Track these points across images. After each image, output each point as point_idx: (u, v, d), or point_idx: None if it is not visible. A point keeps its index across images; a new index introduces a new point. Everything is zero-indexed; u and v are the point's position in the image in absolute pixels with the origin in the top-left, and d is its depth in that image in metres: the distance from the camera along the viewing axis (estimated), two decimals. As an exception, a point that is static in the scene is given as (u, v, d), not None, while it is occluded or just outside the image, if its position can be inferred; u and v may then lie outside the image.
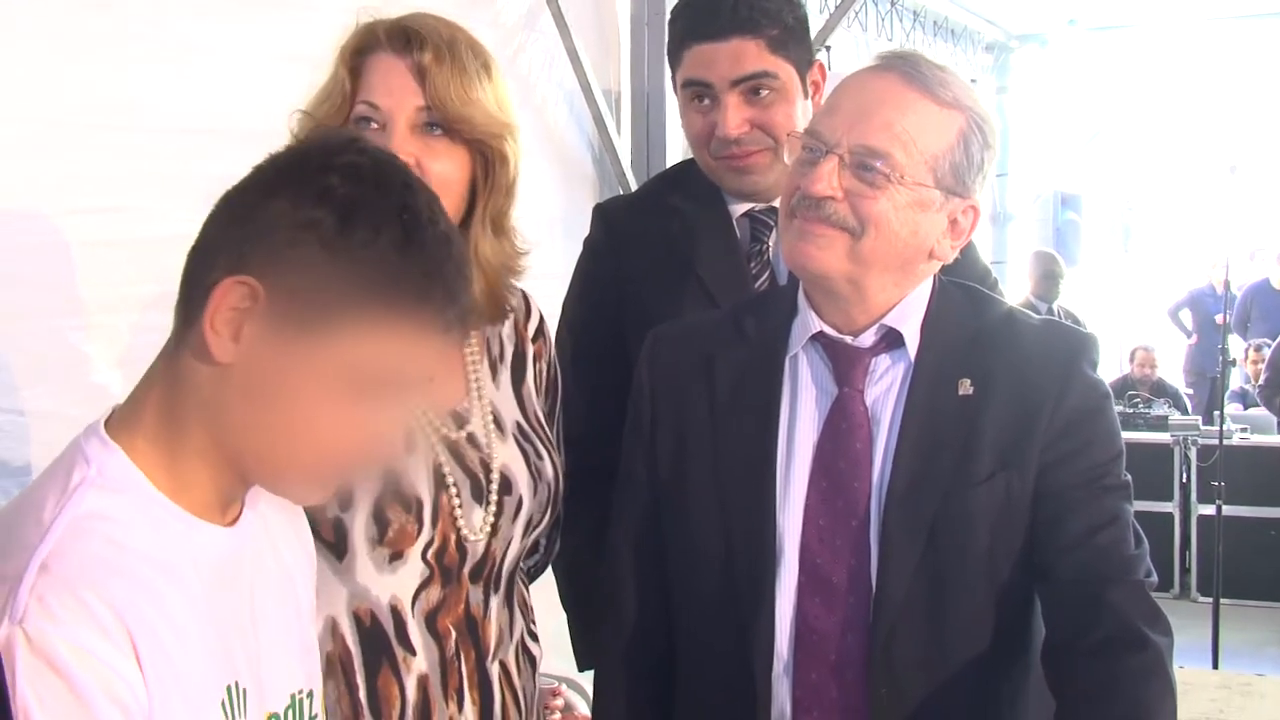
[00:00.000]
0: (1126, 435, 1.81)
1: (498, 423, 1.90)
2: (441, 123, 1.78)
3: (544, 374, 2.05)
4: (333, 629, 1.76)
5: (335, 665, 1.76)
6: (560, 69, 3.98)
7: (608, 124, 4.16)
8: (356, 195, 1.22)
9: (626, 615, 1.91)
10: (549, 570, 2.23)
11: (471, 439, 1.85)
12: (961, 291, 1.83)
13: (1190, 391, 9.98)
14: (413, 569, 1.78)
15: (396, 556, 1.76)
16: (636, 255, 2.33)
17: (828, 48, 4.90)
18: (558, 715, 2.18)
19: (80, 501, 1.20)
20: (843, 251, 1.68)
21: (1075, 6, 8.61)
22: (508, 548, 1.87)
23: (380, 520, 1.74)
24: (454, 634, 1.81)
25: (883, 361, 1.76)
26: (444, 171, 1.78)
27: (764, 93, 2.17)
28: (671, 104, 2.36)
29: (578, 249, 2.45)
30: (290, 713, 1.40)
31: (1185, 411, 8.65)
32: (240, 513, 1.35)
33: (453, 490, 1.80)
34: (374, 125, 1.77)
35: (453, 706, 1.80)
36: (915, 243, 1.70)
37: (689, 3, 2.26)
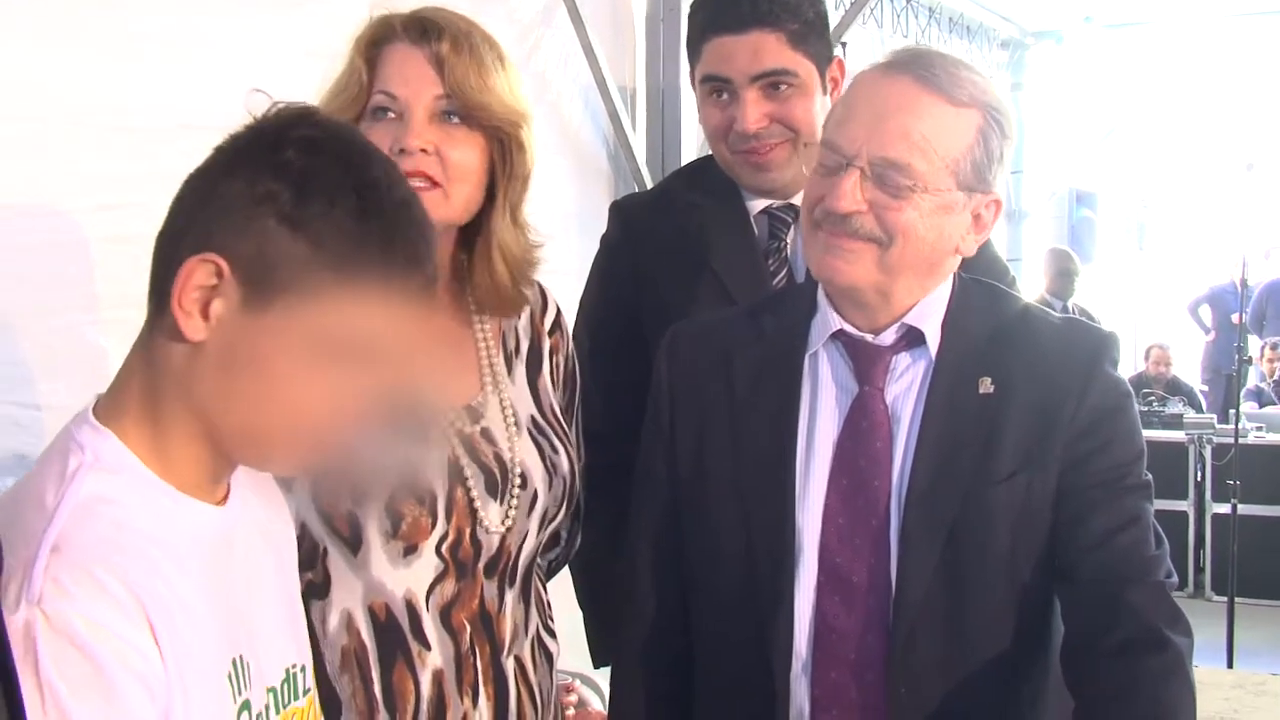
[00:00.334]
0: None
1: (513, 417, 1.90)
2: (459, 111, 1.78)
3: (561, 368, 2.04)
4: (348, 623, 1.77)
5: (350, 659, 1.77)
6: (576, 65, 3.98)
7: (623, 120, 4.15)
8: (311, 167, 1.23)
9: (644, 612, 1.90)
10: (566, 566, 2.24)
11: (486, 433, 1.85)
12: (982, 289, 1.83)
13: (1206, 389, 9.95)
14: (427, 563, 1.78)
15: (411, 550, 1.76)
16: (654, 252, 2.33)
17: (843, 44, 4.89)
18: (572, 711, 2.19)
19: (81, 485, 1.21)
20: (871, 263, 1.68)
21: (1091, 3, 8.59)
22: (523, 542, 1.87)
23: (394, 514, 1.74)
24: (469, 629, 1.81)
25: (903, 359, 1.75)
26: (463, 159, 1.79)
27: (783, 88, 2.16)
28: (687, 100, 2.36)
29: (593, 245, 2.45)
30: (285, 686, 1.42)
31: (1200, 409, 8.63)
32: (228, 493, 1.37)
33: (468, 485, 1.80)
34: (391, 115, 1.77)
35: (467, 702, 1.80)
36: (942, 245, 1.70)
37: None
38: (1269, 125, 10.76)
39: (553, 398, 1.99)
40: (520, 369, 1.96)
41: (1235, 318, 8.09)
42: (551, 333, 2.03)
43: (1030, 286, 8.08)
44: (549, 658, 1.97)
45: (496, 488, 1.83)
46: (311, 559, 1.76)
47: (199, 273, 1.21)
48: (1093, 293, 9.17)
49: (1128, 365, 9.03)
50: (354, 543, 1.75)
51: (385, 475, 1.75)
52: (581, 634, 2.40)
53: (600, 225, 2.47)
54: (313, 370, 1.25)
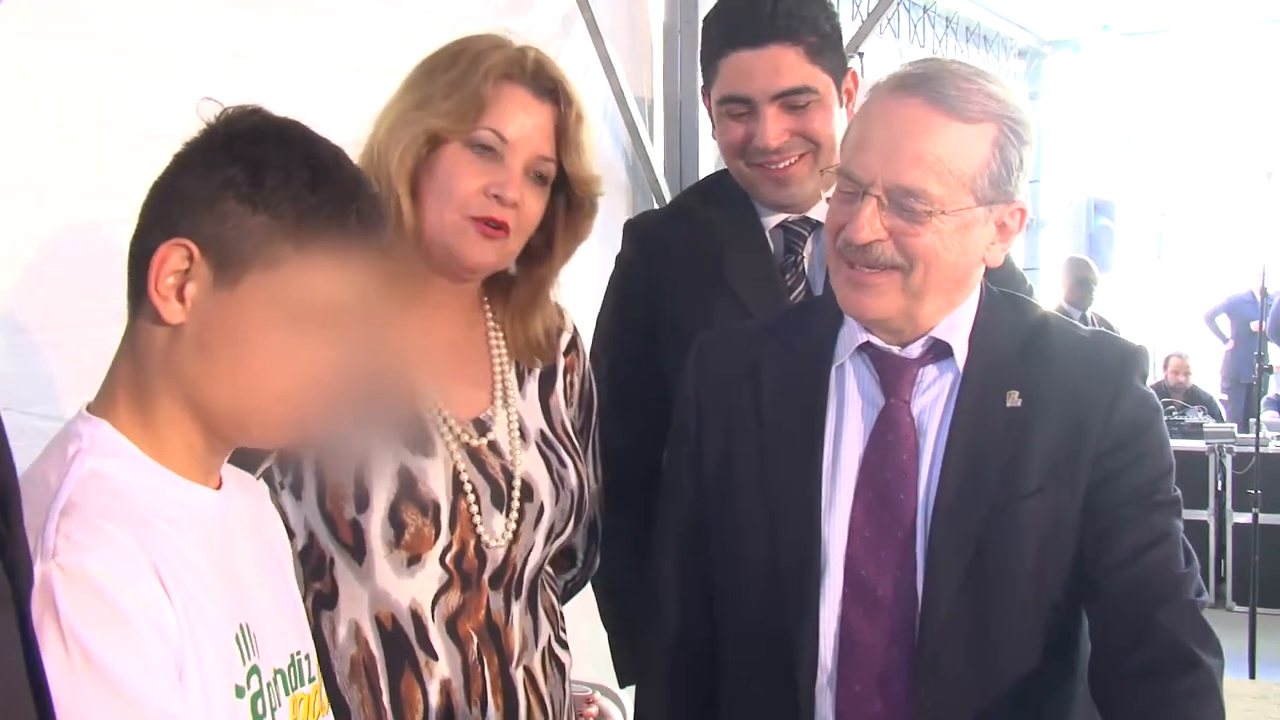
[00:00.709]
0: (1160, 443, 1.78)
1: (521, 431, 1.91)
2: (552, 173, 1.83)
3: (575, 386, 2.05)
4: (356, 633, 1.78)
5: (359, 669, 1.78)
6: (594, 76, 3.99)
7: (641, 132, 4.15)
8: (263, 150, 1.32)
9: (668, 622, 1.90)
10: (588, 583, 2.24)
11: (494, 446, 1.87)
12: (1009, 301, 1.82)
13: (1225, 398, 9.91)
14: (431, 573, 1.79)
15: (415, 560, 1.78)
16: (669, 270, 2.33)
17: (860, 54, 4.89)
18: (592, 724, 2.19)
19: (81, 466, 1.27)
20: (896, 293, 1.68)
21: (1109, 12, 8.57)
22: (529, 554, 1.88)
23: (396, 522, 1.76)
24: (476, 639, 1.82)
25: (930, 372, 1.75)
26: (535, 214, 1.83)
27: (803, 103, 2.16)
28: (705, 111, 2.35)
29: (612, 256, 2.45)
30: (292, 671, 1.45)
31: (1220, 419, 8.59)
32: (221, 482, 1.42)
33: (471, 496, 1.81)
34: (490, 152, 1.79)
35: (476, 712, 1.81)
36: (966, 261, 1.69)
37: (724, 10, 2.25)
38: (1288, 133, 10.72)
39: (564, 415, 2.00)
40: (532, 385, 1.97)
41: (1254, 326, 8.05)
42: (567, 352, 2.04)
43: (1048, 296, 8.06)
44: (561, 669, 1.98)
45: (501, 500, 1.84)
46: (319, 570, 1.79)
47: (172, 258, 1.28)
48: (1111, 302, 9.14)
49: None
50: (359, 552, 1.76)
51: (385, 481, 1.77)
52: (600, 645, 2.40)
53: (619, 235, 2.48)
54: (285, 339, 1.32)
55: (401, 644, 1.79)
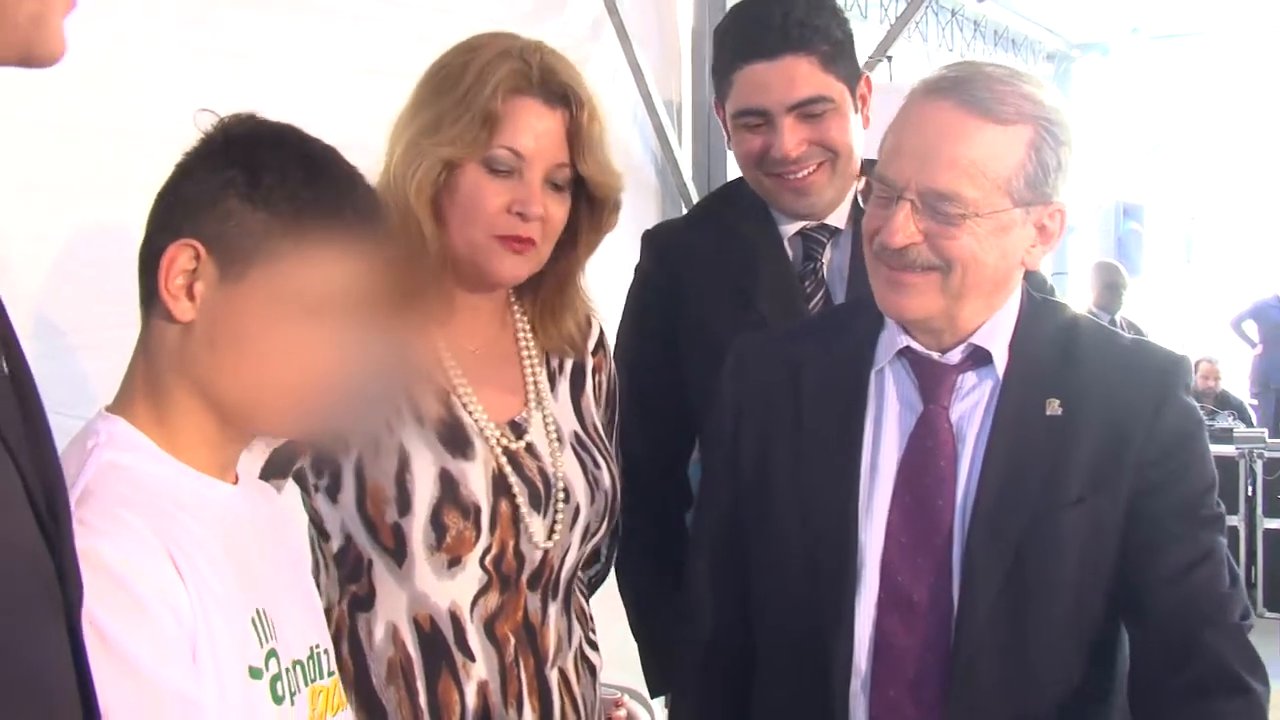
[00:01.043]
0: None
1: (556, 433, 1.91)
2: (572, 179, 1.82)
3: (603, 386, 2.06)
4: (393, 635, 1.79)
5: (396, 671, 1.79)
6: (625, 80, 4.00)
7: (669, 135, 4.16)
8: (260, 152, 1.37)
9: (703, 629, 1.90)
10: (611, 580, 2.24)
11: (531, 449, 1.87)
12: (1049, 308, 1.81)
13: (1255, 403, 9.84)
14: (471, 575, 1.80)
15: (455, 562, 1.78)
16: (688, 280, 2.33)
17: (889, 58, 4.88)
18: (620, 726, 2.19)
19: (99, 459, 1.31)
20: (935, 293, 1.67)
21: (1138, 15, 8.52)
22: (565, 555, 1.89)
23: (438, 525, 1.76)
24: (513, 641, 1.83)
25: (969, 378, 1.74)
26: (560, 219, 1.83)
27: (819, 112, 2.16)
28: (731, 117, 2.34)
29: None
30: (311, 663, 1.48)
31: (1250, 424, 8.53)
32: (238, 479, 1.46)
33: (511, 499, 1.82)
34: (507, 170, 1.78)
35: (512, 713, 1.82)
36: (1005, 264, 1.69)
37: (735, 24, 2.25)
38: (1318, 137, 10.67)
39: (595, 415, 2.01)
40: (564, 386, 1.98)
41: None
42: (595, 352, 2.04)
43: (1077, 300, 8.03)
44: (591, 670, 1.99)
45: (540, 502, 1.84)
46: (356, 572, 1.80)
47: (180, 258, 1.33)
48: (1140, 306, 9.10)
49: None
50: (399, 554, 1.77)
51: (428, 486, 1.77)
52: (629, 649, 2.41)
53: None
54: (290, 331, 1.36)
55: (439, 646, 1.80)
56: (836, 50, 2.17)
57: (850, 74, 2.21)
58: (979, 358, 1.74)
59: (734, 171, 2.39)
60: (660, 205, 4.24)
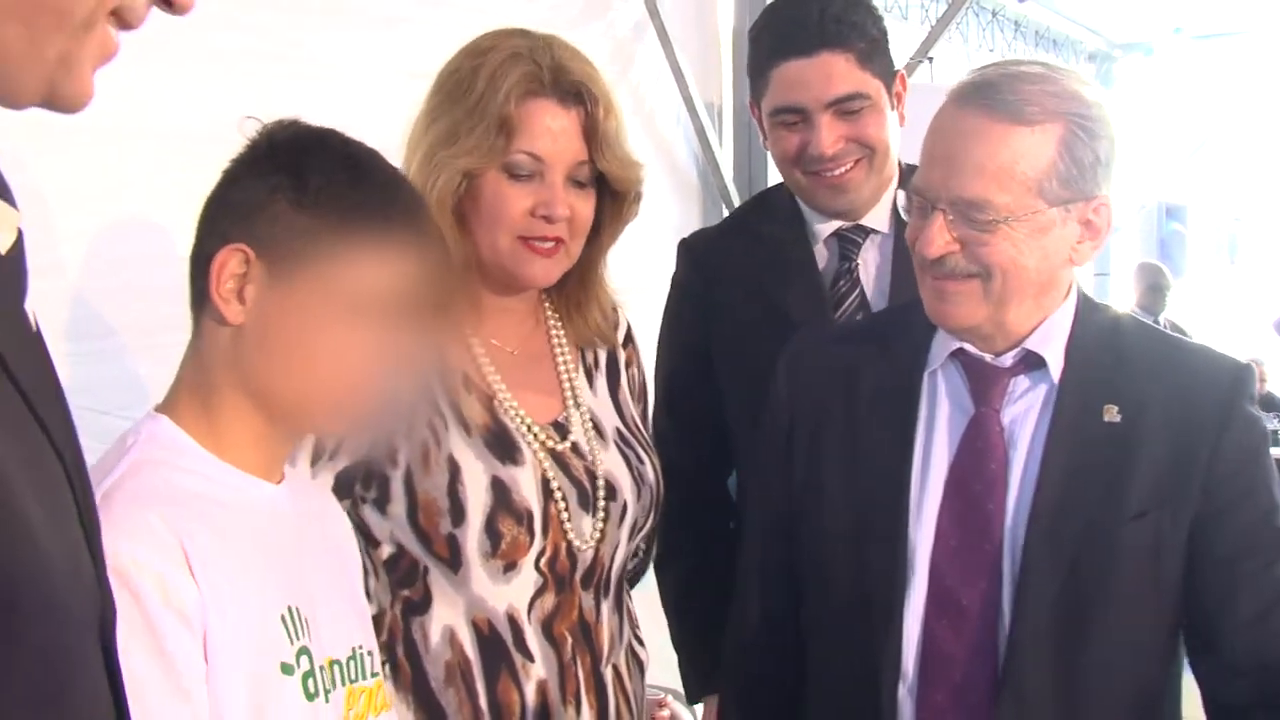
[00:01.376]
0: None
1: (598, 430, 1.92)
2: (594, 176, 1.82)
3: (635, 379, 2.08)
4: (450, 638, 1.80)
5: (455, 673, 1.80)
6: (668, 81, 4.01)
7: (710, 137, 4.17)
8: (305, 156, 1.40)
9: (751, 628, 1.91)
10: (651, 580, 2.25)
11: (575, 448, 1.88)
12: (1107, 312, 1.79)
13: (1301, 406, 9.73)
14: (527, 578, 1.81)
15: (510, 567, 1.79)
16: (721, 289, 2.35)
17: (930, 59, 4.87)
18: (665, 727, 2.20)
19: (130, 458, 1.35)
20: (978, 299, 1.66)
21: (1181, 14, 8.45)
22: (615, 552, 1.90)
23: (493, 533, 1.77)
24: (570, 640, 1.84)
25: (1022, 382, 1.73)
26: (587, 217, 1.83)
27: (856, 109, 2.17)
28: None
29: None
30: (352, 664, 1.49)
31: (1297, 426, 8.44)
32: (283, 479, 1.48)
33: (560, 500, 1.82)
34: (528, 174, 1.78)
35: (570, 711, 1.83)
36: (1048, 264, 1.67)
37: (771, 22, 2.25)
38: (1364, 137, 10.53)
39: (633, 409, 2.02)
40: (601, 381, 1.99)
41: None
42: (625, 345, 2.06)
43: (1120, 301, 7.97)
44: (640, 666, 2.01)
45: (588, 501, 1.85)
46: (411, 577, 1.80)
47: (231, 262, 1.36)
48: (1183, 308, 9.02)
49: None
50: (454, 563, 1.77)
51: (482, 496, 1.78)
52: (670, 649, 2.42)
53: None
54: (339, 330, 1.38)
55: (498, 647, 1.80)
56: (872, 47, 2.18)
57: (886, 71, 2.21)
58: (1032, 361, 1.73)
59: (775, 173, 2.39)
60: (702, 206, 4.25)
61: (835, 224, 2.28)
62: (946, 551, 1.70)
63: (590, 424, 1.93)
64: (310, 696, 1.39)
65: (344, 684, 1.46)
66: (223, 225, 1.39)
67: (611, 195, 1.88)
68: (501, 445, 1.82)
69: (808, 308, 2.23)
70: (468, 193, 1.79)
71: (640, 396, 2.09)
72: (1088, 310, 1.76)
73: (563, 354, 1.95)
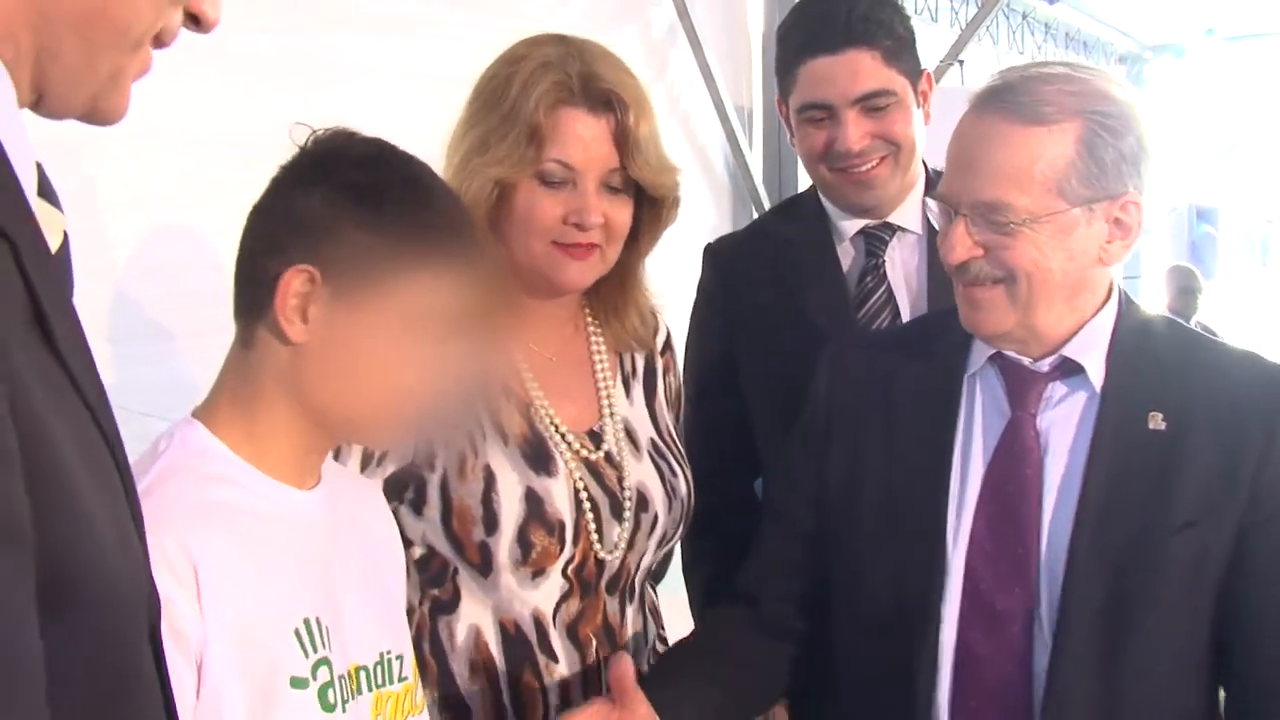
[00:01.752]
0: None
1: (632, 439, 1.93)
2: (628, 182, 1.82)
3: (672, 386, 2.08)
4: (476, 637, 1.82)
5: (479, 671, 1.82)
6: (700, 84, 4.03)
7: (740, 140, 4.18)
8: (371, 178, 1.40)
9: (750, 584, 1.94)
10: (679, 576, 2.27)
11: (609, 458, 1.89)
12: (1149, 317, 1.77)
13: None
14: (553, 584, 1.83)
15: (539, 573, 1.81)
16: (745, 293, 2.36)
17: (960, 62, 4.86)
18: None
19: (166, 460, 1.36)
20: (1005, 306, 1.66)
21: (1213, 16, 8.39)
22: (641, 560, 1.91)
23: (524, 543, 1.79)
24: (594, 642, 1.86)
25: (1059, 388, 1.72)
26: (623, 223, 1.84)
27: (882, 106, 2.19)
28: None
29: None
30: (379, 669, 1.49)
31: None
32: (318, 484, 1.48)
33: (591, 511, 1.84)
34: (561, 182, 1.79)
35: None
36: (1075, 265, 1.66)
37: (799, 20, 2.27)
38: (1398, 138, 10.43)
39: (668, 418, 2.03)
40: (638, 390, 2.00)
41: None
42: (663, 352, 2.07)
43: (1151, 304, 7.91)
44: None
45: (619, 511, 1.87)
46: (440, 578, 1.83)
47: (295, 282, 1.36)
48: (1214, 310, 8.97)
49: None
50: (484, 568, 1.80)
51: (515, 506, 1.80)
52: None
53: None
54: (403, 347, 1.39)
55: (523, 648, 1.82)
56: (899, 45, 2.20)
57: (912, 69, 2.23)
58: (1071, 366, 1.71)
59: (805, 175, 2.41)
60: (732, 208, 4.27)
61: (861, 222, 2.30)
62: (981, 556, 1.69)
63: (624, 433, 1.93)
64: (329, 708, 1.40)
65: (370, 690, 1.47)
66: (281, 240, 1.39)
67: (649, 200, 1.88)
68: (537, 456, 1.83)
69: (830, 307, 2.25)
70: (500, 199, 1.79)
71: (676, 404, 2.10)
72: (1129, 315, 1.75)
73: (601, 361, 1.96)
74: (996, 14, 6.27)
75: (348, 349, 1.39)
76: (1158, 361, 1.71)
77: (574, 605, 1.85)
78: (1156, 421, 1.67)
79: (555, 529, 1.80)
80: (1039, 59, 6.82)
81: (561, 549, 1.81)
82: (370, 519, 1.62)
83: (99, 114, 0.90)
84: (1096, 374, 1.71)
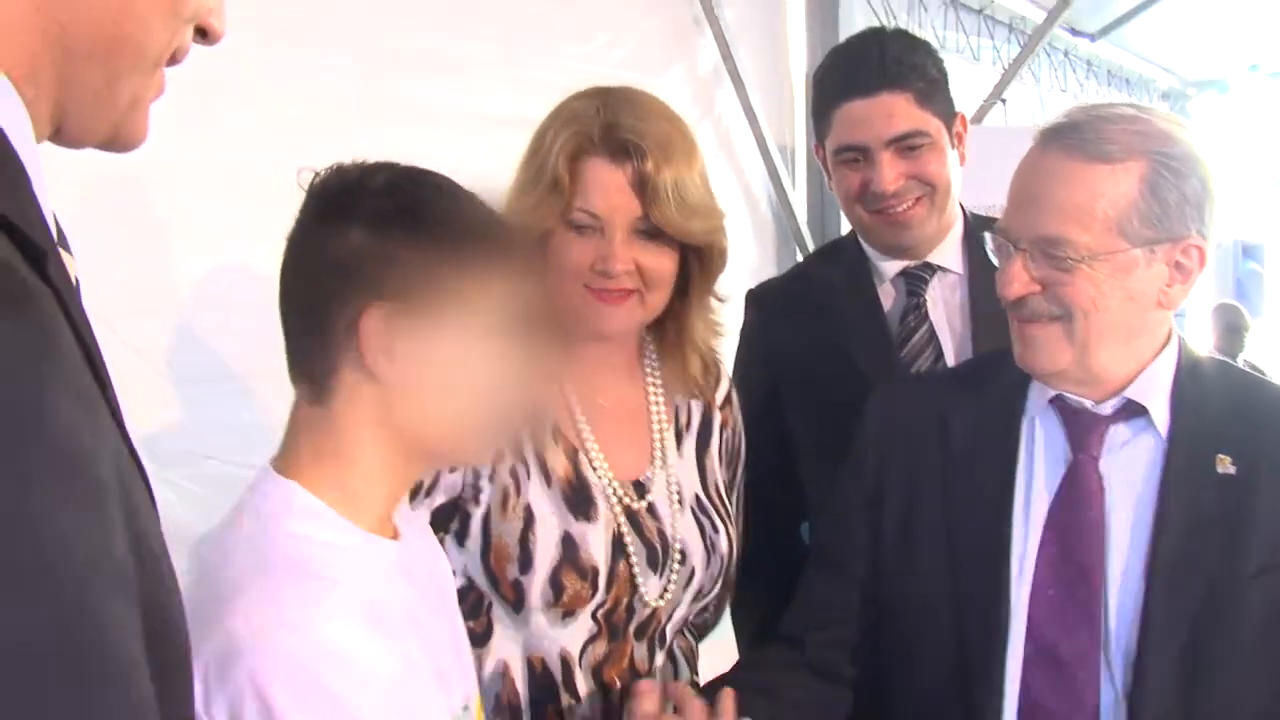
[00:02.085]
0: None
1: (678, 494, 1.93)
2: (658, 231, 1.81)
3: (729, 442, 2.06)
4: (504, 672, 1.83)
5: (503, 707, 1.82)
6: (741, 125, 4.05)
7: (783, 179, 4.20)
8: (406, 200, 1.38)
9: (791, 628, 1.91)
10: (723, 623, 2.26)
11: (651, 509, 1.89)
12: (1203, 360, 1.75)
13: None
14: (582, 625, 1.83)
15: (569, 615, 1.81)
16: (789, 336, 2.37)
17: (1003, 100, 4.87)
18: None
19: (282, 529, 1.33)
20: (1062, 343, 1.65)
21: (1256, 51, 8.37)
22: (674, 610, 1.91)
23: (556, 585, 1.79)
24: (620, 684, 1.86)
25: (1121, 431, 1.70)
26: (660, 268, 1.83)
27: (917, 147, 2.20)
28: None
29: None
30: (466, 714, 1.48)
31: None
32: (397, 531, 1.46)
33: (629, 560, 1.84)
34: (591, 229, 1.80)
35: None
36: (1133, 306, 1.64)
37: (834, 64, 2.30)
38: None
39: (718, 474, 2.01)
40: (690, 444, 1.99)
41: None
42: (723, 407, 2.05)
43: (1196, 343, 7.84)
44: None
45: (657, 562, 1.86)
46: (476, 610, 1.83)
47: (372, 321, 1.33)
48: (1263, 348, 8.88)
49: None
50: (517, 605, 1.80)
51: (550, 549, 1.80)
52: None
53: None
54: (484, 347, 1.39)
55: (548, 686, 1.83)
56: (932, 87, 2.22)
57: (946, 111, 2.25)
58: (1133, 409, 1.69)
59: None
60: (776, 248, 4.28)
61: (901, 264, 2.30)
62: (1044, 601, 1.67)
63: (673, 487, 1.93)
64: None
65: None
66: (333, 288, 1.35)
67: (695, 248, 1.88)
68: (578, 500, 1.83)
69: (873, 347, 2.25)
70: (540, 245, 1.81)
71: (733, 461, 2.08)
72: (1189, 358, 1.73)
73: (657, 410, 1.96)
74: (1038, 52, 6.28)
75: (437, 367, 1.36)
76: (1219, 404, 1.69)
77: (601, 647, 1.85)
78: (1225, 465, 1.64)
79: (589, 574, 1.80)
80: (1081, 97, 6.85)
81: (594, 594, 1.81)
82: (435, 560, 1.61)
83: (119, 141, 0.89)
84: (1161, 417, 1.68)
